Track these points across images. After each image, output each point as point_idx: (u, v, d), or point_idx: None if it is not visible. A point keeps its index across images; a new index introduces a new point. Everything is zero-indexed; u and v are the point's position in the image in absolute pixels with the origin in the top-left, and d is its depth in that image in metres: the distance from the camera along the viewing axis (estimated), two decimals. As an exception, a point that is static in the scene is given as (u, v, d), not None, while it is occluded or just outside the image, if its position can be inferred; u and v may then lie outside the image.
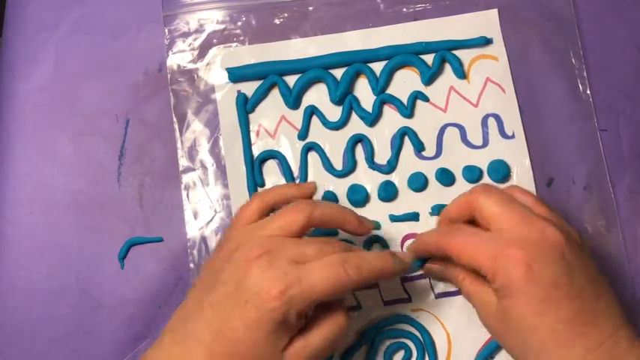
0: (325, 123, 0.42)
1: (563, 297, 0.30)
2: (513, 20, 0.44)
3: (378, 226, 0.41)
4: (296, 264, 0.31)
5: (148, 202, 0.41)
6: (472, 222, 0.35)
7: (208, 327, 0.31)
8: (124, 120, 0.42)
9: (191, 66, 0.43)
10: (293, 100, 0.42)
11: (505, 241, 0.31)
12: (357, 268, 0.31)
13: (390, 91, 0.43)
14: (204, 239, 0.41)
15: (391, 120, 0.43)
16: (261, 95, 0.42)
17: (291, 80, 0.42)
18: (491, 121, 0.43)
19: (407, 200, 0.41)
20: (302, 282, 0.30)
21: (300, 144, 0.42)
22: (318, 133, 0.42)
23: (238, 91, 0.42)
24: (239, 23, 0.44)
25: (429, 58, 0.43)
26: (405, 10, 0.44)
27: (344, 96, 0.42)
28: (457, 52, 0.43)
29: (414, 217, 0.41)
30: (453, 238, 0.33)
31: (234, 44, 0.43)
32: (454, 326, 0.40)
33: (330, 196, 0.41)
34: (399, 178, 0.42)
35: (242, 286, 0.30)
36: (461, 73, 0.43)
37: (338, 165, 0.42)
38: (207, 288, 0.32)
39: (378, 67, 0.43)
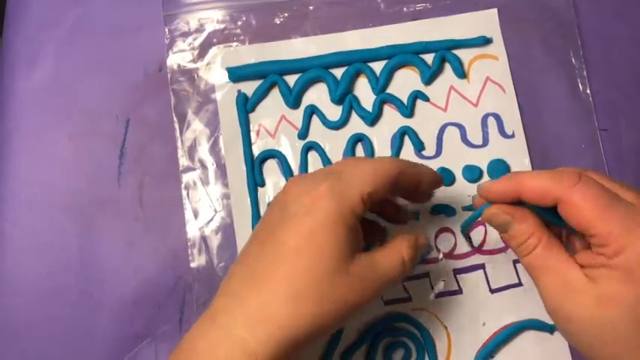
0: (325, 122, 0.42)
1: None
2: (513, 20, 0.44)
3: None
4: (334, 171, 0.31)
5: (147, 202, 0.41)
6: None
7: (253, 266, 0.29)
8: (124, 120, 0.42)
9: (191, 66, 0.43)
10: (293, 99, 0.42)
11: None
12: (397, 160, 0.31)
13: (390, 90, 0.43)
14: (204, 239, 0.41)
15: (391, 119, 0.43)
16: (262, 95, 0.42)
17: (291, 80, 0.42)
18: (491, 121, 0.43)
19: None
20: (345, 177, 0.29)
21: (301, 143, 0.42)
22: (318, 132, 0.42)
23: (238, 91, 0.42)
24: (239, 23, 0.44)
25: (428, 58, 0.43)
26: (405, 9, 0.44)
27: (344, 95, 0.42)
28: (457, 52, 0.43)
29: (414, 216, 0.41)
30: (578, 189, 0.27)
31: (235, 44, 0.43)
32: (454, 326, 0.40)
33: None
34: (399, 177, 0.42)
35: (284, 205, 0.29)
36: (461, 73, 0.43)
37: (338, 164, 0.42)
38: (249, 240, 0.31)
39: (378, 66, 0.43)
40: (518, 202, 0.30)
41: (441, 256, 0.41)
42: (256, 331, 0.27)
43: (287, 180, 0.41)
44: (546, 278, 0.28)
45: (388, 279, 0.30)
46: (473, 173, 0.41)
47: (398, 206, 0.38)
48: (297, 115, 0.42)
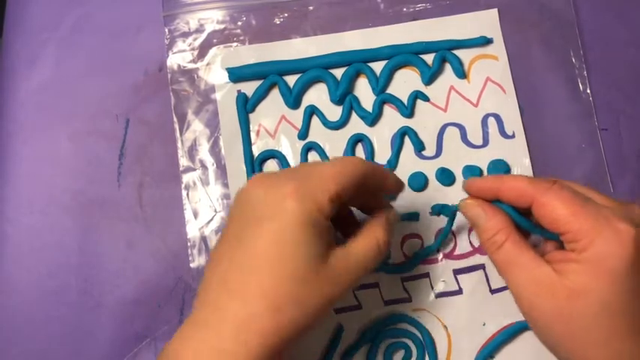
0: (325, 123, 0.42)
1: None
2: (513, 20, 0.44)
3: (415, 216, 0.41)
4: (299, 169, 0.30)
5: (147, 202, 0.41)
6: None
7: (227, 274, 0.28)
8: (124, 120, 0.42)
9: (191, 66, 0.43)
10: (293, 99, 0.42)
11: (613, 214, 0.27)
12: (362, 160, 0.31)
13: (390, 90, 0.43)
14: (204, 239, 0.41)
15: (391, 120, 0.43)
16: (262, 95, 0.42)
17: (291, 80, 0.42)
18: (492, 121, 0.43)
19: (407, 200, 0.41)
20: (312, 177, 0.29)
21: (301, 144, 0.42)
22: (318, 132, 0.42)
23: (238, 91, 0.42)
24: (239, 23, 0.44)
25: (429, 58, 0.43)
26: (405, 9, 0.44)
27: (344, 96, 0.42)
28: (457, 52, 0.43)
29: (414, 216, 0.41)
30: (552, 190, 0.29)
31: (235, 44, 0.43)
32: (454, 326, 0.40)
33: (330, 196, 0.41)
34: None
35: (247, 208, 0.28)
36: (461, 73, 0.43)
37: (338, 165, 0.42)
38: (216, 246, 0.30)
39: (378, 66, 0.43)
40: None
41: (441, 256, 0.41)
42: (244, 343, 0.27)
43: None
44: (516, 274, 0.29)
45: (365, 266, 0.30)
46: (473, 173, 0.41)
47: (375, 195, 0.36)
48: (297, 116, 0.42)
